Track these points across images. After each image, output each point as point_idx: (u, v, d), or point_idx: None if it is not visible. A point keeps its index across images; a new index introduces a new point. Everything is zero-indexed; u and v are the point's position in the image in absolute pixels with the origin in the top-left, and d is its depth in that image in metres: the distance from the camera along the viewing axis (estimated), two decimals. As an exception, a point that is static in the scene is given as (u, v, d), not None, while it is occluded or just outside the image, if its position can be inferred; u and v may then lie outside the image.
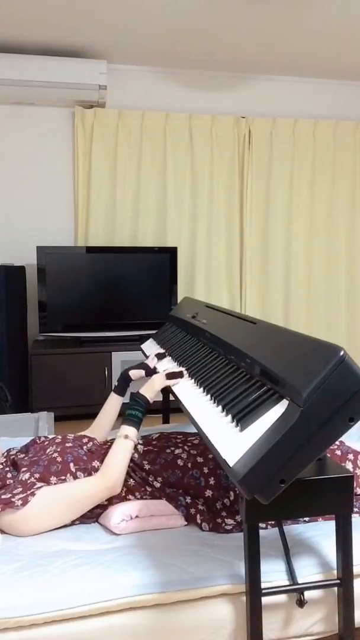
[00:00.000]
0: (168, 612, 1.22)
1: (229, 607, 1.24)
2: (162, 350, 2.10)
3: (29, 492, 1.44)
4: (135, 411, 1.60)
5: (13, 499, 1.42)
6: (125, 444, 1.53)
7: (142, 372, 1.92)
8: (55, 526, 1.47)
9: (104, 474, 1.49)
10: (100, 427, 1.90)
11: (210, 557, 1.32)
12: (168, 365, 1.88)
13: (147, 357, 2.19)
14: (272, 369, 1.17)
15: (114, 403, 1.92)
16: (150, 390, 1.65)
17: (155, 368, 1.94)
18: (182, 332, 2.19)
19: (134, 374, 1.92)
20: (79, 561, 1.30)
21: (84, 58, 3.59)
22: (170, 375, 1.65)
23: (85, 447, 1.66)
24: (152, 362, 1.97)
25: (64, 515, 1.47)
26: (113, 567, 1.27)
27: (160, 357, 2.00)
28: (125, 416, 1.59)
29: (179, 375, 1.63)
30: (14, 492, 1.45)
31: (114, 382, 3.58)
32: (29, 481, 1.49)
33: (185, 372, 1.68)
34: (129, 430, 1.56)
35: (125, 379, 1.92)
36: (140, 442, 1.71)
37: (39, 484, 1.47)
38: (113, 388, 1.95)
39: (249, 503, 1.09)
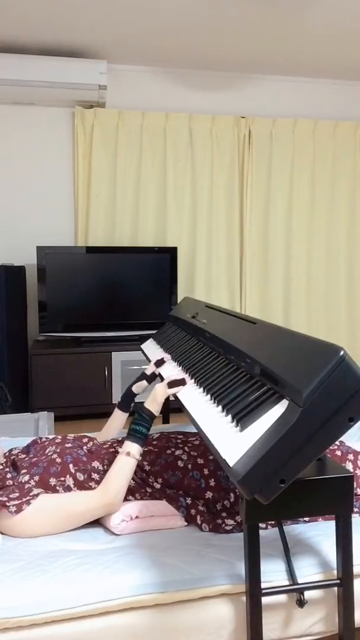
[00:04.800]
0: (168, 612, 1.22)
1: (229, 607, 1.23)
2: (161, 355, 2.05)
3: (24, 499, 1.43)
4: (140, 426, 1.54)
5: (8, 504, 1.42)
6: (126, 461, 1.49)
7: (144, 384, 1.91)
8: (50, 534, 1.46)
9: (104, 491, 1.46)
10: (106, 438, 1.90)
11: (210, 557, 1.32)
12: (169, 367, 1.87)
13: (148, 360, 2.18)
14: (272, 369, 1.17)
15: (118, 417, 1.93)
16: (154, 403, 1.59)
17: (153, 373, 1.92)
18: (182, 332, 2.19)
19: (137, 388, 1.91)
20: (79, 561, 1.30)
21: (84, 58, 3.59)
22: (172, 384, 1.61)
23: (85, 447, 1.66)
24: (150, 369, 1.93)
25: (57, 528, 1.46)
26: (113, 567, 1.27)
27: (159, 363, 1.94)
28: (129, 431, 1.55)
29: (180, 382, 1.59)
30: (10, 496, 1.45)
31: (114, 382, 3.58)
32: (26, 486, 1.48)
33: (188, 379, 1.63)
34: (132, 447, 1.50)
35: (129, 396, 1.91)
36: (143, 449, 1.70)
37: (35, 491, 1.46)
38: (117, 404, 1.94)
39: (249, 503, 1.09)
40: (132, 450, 1.50)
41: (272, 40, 3.43)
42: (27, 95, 3.56)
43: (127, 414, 1.92)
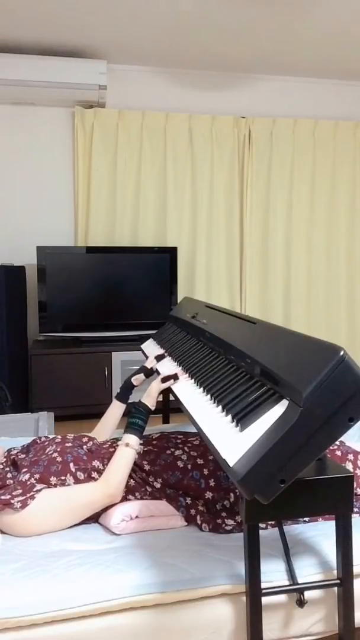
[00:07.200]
0: (168, 612, 1.22)
1: (229, 607, 1.23)
2: (161, 351, 2.10)
3: (28, 495, 1.43)
4: (137, 419, 1.60)
5: (12, 501, 1.42)
6: (126, 452, 1.53)
7: (143, 377, 1.93)
8: (53, 530, 1.46)
9: (105, 482, 1.49)
10: (102, 431, 1.91)
11: (210, 557, 1.32)
12: (168, 364, 1.89)
13: (147, 358, 2.19)
14: (272, 369, 1.17)
15: (116, 410, 1.94)
16: (149, 397, 1.66)
17: (152, 368, 1.94)
18: (182, 332, 2.19)
19: (136, 379, 1.93)
20: (79, 561, 1.30)
21: (84, 58, 3.59)
22: (165, 379, 1.67)
23: (85, 446, 1.66)
24: (150, 363, 1.97)
25: (62, 521, 1.46)
26: (113, 567, 1.27)
27: (159, 358, 2.00)
28: (127, 425, 1.60)
29: (173, 377, 1.66)
30: (13, 493, 1.45)
31: (114, 382, 3.58)
32: (28, 482, 1.48)
33: (180, 374, 1.69)
34: (130, 439, 1.55)
35: (128, 387, 1.93)
36: (141, 442, 1.71)
37: (38, 486, 1.47)
38: (115, 395, 1.96)
39: (249, 503, 1.09)
40: (130, 442, 1.54)
41: (273, 40, 3.43)
42: (27, 95, 3.56)
43: (124, 405, 1.94)
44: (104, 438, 1.89)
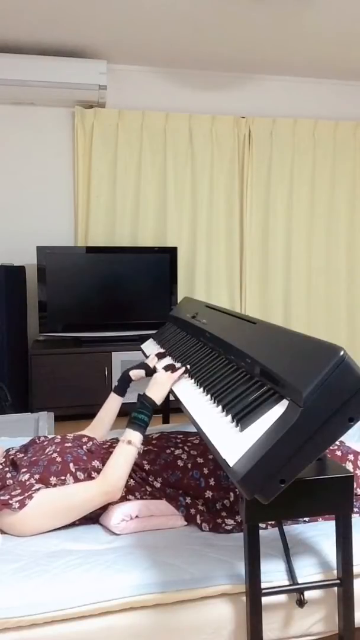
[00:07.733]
0: (168, 612, 1.22)
1: (229, 607, 1.23)
2: (162, 350, 2.10)
3: (26, 494, 1.43)
4: (142, 415, 1.54)
5: (10, 501, 1.42)
6: (127, 450, 1.49)
7: (142, 373, 1.91)
8: (52, 528, 1.46)
9: (104, 479, 1.46)
10: (100, 426, 1.90)
11: (210, 557, 1.32)
12: (165, 361, 1.89)
13: (147, 357, 2.18)
14: (272, 369, 1.17)
15: (114, 403, 1.92)
16: (158, 390, 1.61)
17: (155, 368, 1.93)
18: (182, 332, 2.19)
19: (134, 374, 1.91)
20: (79, 561, 1.30)
21: (84, 58, 3.59)
22: (172, 369, 1.64)
23: (85, 446, 1.66)
24: (152, 361, 1.96)
25: (61, 519, 1.46)
26: (113, 567, 1.27)
27: (160, 356, 2.00)
28: (130, 419, 1.55)
29: (178, 368, 1.62)
30: (12, 493, 1.45)
31: (114, 382, 3.57)
32: (27, 482, 1.48)
33: (186, 376, 1.65)
34: (133, 435, 1.51)
35: (125, 380, 1.91)
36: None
37: (37, 486, 1.46)
38: (113, 388, 1.94)
39: (249, 503, 1.09)
40: (133, 439, 1.50)
41: (273, 40, 3.43)
42: (27, 95, 3.56)
43: (122, 399, 1.91)
44: (102, 432, 1.88)
